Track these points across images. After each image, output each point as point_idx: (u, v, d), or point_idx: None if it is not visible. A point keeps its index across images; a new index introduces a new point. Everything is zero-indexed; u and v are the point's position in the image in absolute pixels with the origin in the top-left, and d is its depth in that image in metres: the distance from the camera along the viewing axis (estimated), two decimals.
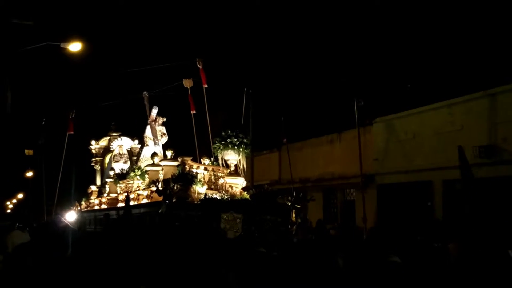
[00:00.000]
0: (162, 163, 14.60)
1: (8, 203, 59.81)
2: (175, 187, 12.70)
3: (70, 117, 21.62)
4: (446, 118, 19.05)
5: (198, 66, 18.21)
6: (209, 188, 13.88)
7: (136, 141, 19.65)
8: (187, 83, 18.72)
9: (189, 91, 18.89)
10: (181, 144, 16.12)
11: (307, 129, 24.59)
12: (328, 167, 23.53)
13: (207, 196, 13.18)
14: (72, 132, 21.33)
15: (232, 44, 25.74)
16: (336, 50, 24.24)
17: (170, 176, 13.35)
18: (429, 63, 21.44)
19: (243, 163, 14.59)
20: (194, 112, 18.99)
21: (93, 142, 20.60)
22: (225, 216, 12.74)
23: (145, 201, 14.30)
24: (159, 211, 12.50)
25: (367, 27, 23.21)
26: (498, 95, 17.29)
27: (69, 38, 19.31)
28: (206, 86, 18.23)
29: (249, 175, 15.38)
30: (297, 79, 25.21)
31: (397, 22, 22.06)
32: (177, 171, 13.61)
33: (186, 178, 13.18)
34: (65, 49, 19.23)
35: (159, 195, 12.76)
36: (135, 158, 18.97)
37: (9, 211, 58.94)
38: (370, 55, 23.38)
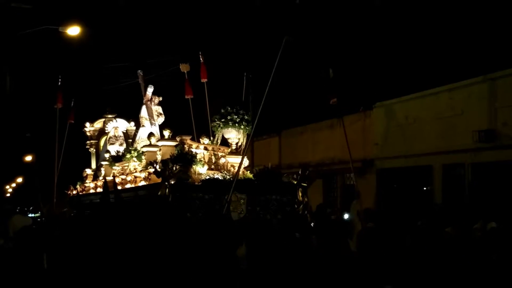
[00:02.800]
0: (160, 143, 13.20)
1: (7, 187, 57.95)
2: (174, 168, 11.28)
3: (71, 105, 19.88)
4: (446, 102, 18.18)
5: (201, 60, 16.83)
6: (210, 168, 12.48)
7: (132, 123, 18.14)
8: (184, 68, 17.36)
9: (186, 76, 17.50)
10: (178, 124, 14.60)
11: (307, 113, 23.27)
12: (328, 151, 22.31)
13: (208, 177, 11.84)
14: (73, 121, 19.62)
15: (232, 27, 24.13)
16: (336, 34, 22.86)
17: (168, 157, 11.95)
18: (429, 47, 20.23)
19: (244, 142, 13.11)
20: (191, 96, 17.54)
21: (87, 124, 18.92)
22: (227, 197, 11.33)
23: (142, 183, 12.82)
24: (158, 193, 11.16)
25: (366, 11, 21.89)
26: (498, 79, 16.42)
27: (68, 22, 18.06)
28: (205, 80, 16.79)
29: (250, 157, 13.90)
30: (297, 63, 23.79)
31: (397, 6, 20.79)
32: (176, 151, 12.19)
33: (185, 158, 11.80)
34: (63, 33, 18.02)
35: (158, 177, 11.48)
36: (131, 140, 17.49)
37: (8, 195, 57.34)
38: (371, 39, 22.06)
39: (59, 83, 18.31)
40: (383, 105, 20.71)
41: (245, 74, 18.35)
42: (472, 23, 19.18)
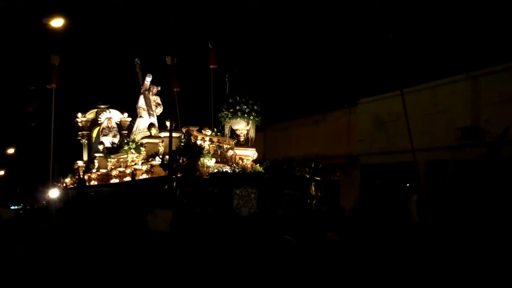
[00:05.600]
0: (162, 134, 11.32)
1: None
2: (181, 160, 9.52)
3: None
4: (430, 100, 17.00)
5: (210, 46, 15.05)
6: (217, 161, 10.71)
7: (126, 114, 16.05)
8: (170, 60, 15.51)
9: (173, 68, 15.60)
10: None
11: (292, 109, 21.77)
12: (313, 147, 20.75)
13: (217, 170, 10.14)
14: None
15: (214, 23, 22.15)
16: (322, 31, 21.41)
17: (172, 149, 10.17)
18: (412, 45, 18.99)
19: (253, 133, 11.41)
20: (178, 89, 15.67)
21: (79, 114, 16.69)
22: (238, 192, 9.70)
23: (144, 176, 10.99)
24: (165, 187, 9.36)
25: (351, 8, 20.51)
26: (480, 77, 15.30)
27: (55, 13, 15.94)
28: (215, 66, 15.02)
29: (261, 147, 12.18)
30: (283, 59, 22.25)
31: (383, 4, 19.44)
32: (179, 142, 10.46)
33: (193, 150, 10.01)
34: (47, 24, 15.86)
35: (164, 170, 9.65)
36: (125, 131, 15.48)
37: None
38: (355, 36, 20.67)
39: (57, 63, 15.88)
40: (368, 101, 19.34)
41: (226, 75, 16.18)
42: (455, 21, 18.19)
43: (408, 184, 17.62)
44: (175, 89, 15.46)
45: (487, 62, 15.30)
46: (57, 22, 15.65)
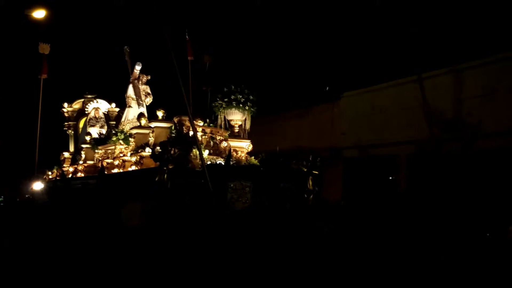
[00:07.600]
0: (153, 124, 10.23)
1: None
2: (172, 152, 8.50)
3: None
4: (412, 93, 16.00)
5: (187, 38, 13.99)
6: (210, 153, 9.70)
7: (114, 104, 14.77)
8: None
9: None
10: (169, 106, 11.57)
11: (276, 103, 20.77)
12: (297, 141, 19.81)
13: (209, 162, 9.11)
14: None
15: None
16: (306, 24, 20.43)
17: (162, 139, 9.17)
18: (396, 39, 18.21)
19: (248, 124, 10.41)
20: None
21: (65, 104, 15.26)
22: (232, 185, 8.72)
23: (133, 168, 9.90)
24: (155, 179, 8.37)
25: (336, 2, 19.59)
26: (463, 71, 14.69)
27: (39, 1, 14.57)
28: (191, 58, 14.00)
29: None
30: (268, 53, 21.21)
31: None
32: (172, 133, 9.44)
33: (186, 141, 8.96)
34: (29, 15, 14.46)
35: (155, 161, 8.66)
36: (113, 122, 14.21)
37: None
38: (338, 30, 19.74)
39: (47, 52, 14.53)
40: (351, 94, 18.51)
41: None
42: (439, 15, 17.42)
43: (390, 177, 17.12)
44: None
45: (469, 56, 14.63)
46: (39, 13, 14.33)
